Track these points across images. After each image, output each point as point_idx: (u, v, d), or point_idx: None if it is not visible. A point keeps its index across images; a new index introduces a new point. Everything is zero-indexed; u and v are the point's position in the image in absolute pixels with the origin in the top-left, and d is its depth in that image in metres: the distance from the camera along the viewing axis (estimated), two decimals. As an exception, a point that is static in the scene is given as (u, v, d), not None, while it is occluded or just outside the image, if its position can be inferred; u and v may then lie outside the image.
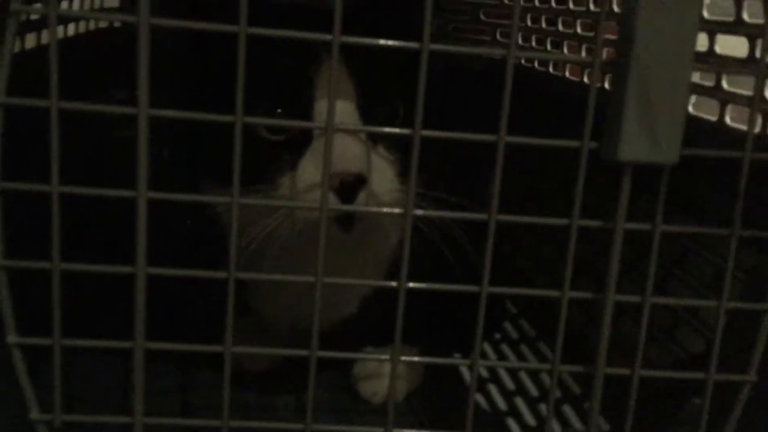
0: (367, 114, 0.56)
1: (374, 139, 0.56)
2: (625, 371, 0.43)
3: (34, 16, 0.63)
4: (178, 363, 0.70)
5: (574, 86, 0.83)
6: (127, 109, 0.37)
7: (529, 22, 0.97)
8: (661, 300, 0.44)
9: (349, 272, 0.58)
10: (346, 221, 0.54)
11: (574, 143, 0.40)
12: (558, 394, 0.71)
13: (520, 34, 1.01)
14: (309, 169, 0.54)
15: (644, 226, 0.41)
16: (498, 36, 1.08)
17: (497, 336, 0.83)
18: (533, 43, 0.98)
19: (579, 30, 0.82)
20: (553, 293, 0.42)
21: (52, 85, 0.36)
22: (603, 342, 0.42)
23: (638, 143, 0.39)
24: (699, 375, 0.45)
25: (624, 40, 0.38)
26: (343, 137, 0.51)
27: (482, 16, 1.11)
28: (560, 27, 0.88)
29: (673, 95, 0.38)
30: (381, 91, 0.57)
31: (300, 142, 0.55)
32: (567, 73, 0.86)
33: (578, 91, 0.82)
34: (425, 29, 0.39)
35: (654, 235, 0.41)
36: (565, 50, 0.85)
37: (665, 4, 0.37)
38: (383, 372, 0.69)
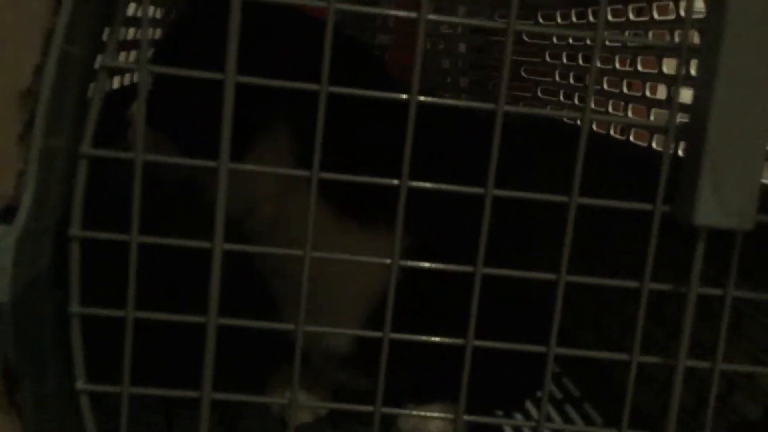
0: None
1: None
2: (693, 438, 0.42)
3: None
4: (221, 412, 0.70)
5: (636, 150, 0.82)
6: (209, 163, 0.38)
7: (605, 86, 0.96)
8: (730, 367, 0.43)
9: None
10: None
11: (647, 206, 0.40)
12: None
13: (560, 91, 1.02)
14: None
15: (716, 292, 0.41)
16: (539, 93, 1.10)
17: (538, 395, 0.82)
18: (575, 101, 0.99)
19: (648, 93, 0.81)
20: (622, 357, 0.42)
21: (138, 140, 0.37)
22: (673, 408, 0.41)
23: (714, 208, 0.39)
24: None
25: (700, 104, 0.39)
26: None
27: (523, 74, 1.13)
28: (625, 89, 0.86)
29: (750, 159, 0.38)
30: None
31: None
32: (632, 137, 0.85)
33: (637, 154, 0.82)
34: (501, 93, 0.40)
35: (726, 300, 0.41)
36: (630, 113, 0.85)
37: (744, 68, 0.38)
38: (427, 428, 0.68)
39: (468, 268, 0.41)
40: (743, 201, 0.39)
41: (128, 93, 0.86)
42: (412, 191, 0.40)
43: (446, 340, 0.42)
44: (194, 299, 0.43)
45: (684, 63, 0.38)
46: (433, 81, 1.14)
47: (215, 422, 0.69)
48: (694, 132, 0.39)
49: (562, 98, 1.04)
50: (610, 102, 0.88)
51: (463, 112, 0.43)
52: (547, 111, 0.57)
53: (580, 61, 0.98)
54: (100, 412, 0.41)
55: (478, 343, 0.42)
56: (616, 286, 0.42)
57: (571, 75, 1.01)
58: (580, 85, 0.98)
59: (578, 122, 0.94)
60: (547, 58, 1.08)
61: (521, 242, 0.68)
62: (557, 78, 1.05)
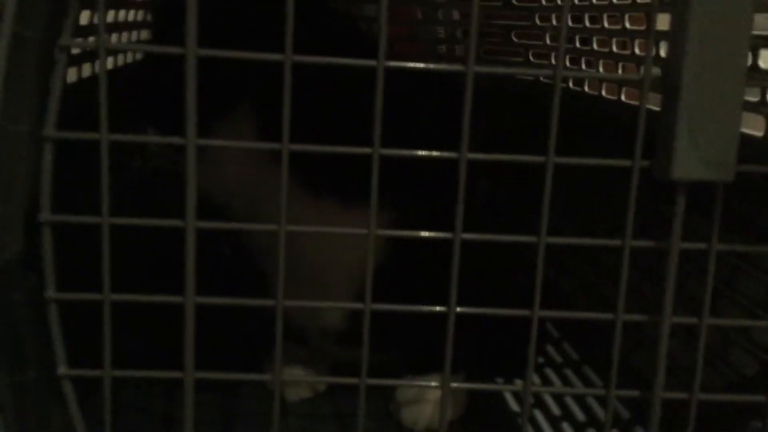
0: None
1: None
2: (683, 396, 0.42)
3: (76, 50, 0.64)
4: (221, 392, 0.70)
5: (611, 105, 0.82)
6: (175, 140, 0.37)
7: (577, 44, 0.96)
8: (718, 321, 0.43)
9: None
10: None
11: (625, 162, 0.39)
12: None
13: (552, 54, 1.01)
14: None
15: (700, 246, 0.40)
16: (530, 57, 1.08)
17: (540, 360, 0.82)
18: (567, 63, 0.98)
19: (615, 48, 0.81)
20: (607, 316, 0.42)
21: (102, 118, 0.36)
22: (661, 365, 0.41)
23: (692, 161, 0.38)
24: (758, 398, 0.43)
25: (674, 56, 0.38)
26: None
27: (514, 38, 1.11)
28: (595, 47, 0.87)
29: (727, 110, 0.38)
30: None
31: None
32: (603, 92, 0.85)
33: (614, 110, 0.81)
34: (469, 52, 0.39)
35: (710, 254, 0.40)
36: (601, 69, 0.85)
37: (716, 21, 0.37)
38: (425, 398, 0.68)
39: (447, 235, 0.41)
40: (722, 152, 0.38)
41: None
42: (393, 165, 0.39)
43: (426, 308, 0.42)
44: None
45: (654, 14, 0.37)
46: (429, 50, 1.13)
47: (215, 402, 0.69)
48: (669, 83, 0.38)
49: (554, 60, 1.02)
50: (601, 62, 0.87)
51: (445, 79, 0.42)
52: (518, 70, 0.56)
53: (570, 23, 0.96)
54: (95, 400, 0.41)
55: (460, 310, 0.41)
56: (598, 245, 0.41)
57: (547, 36, 1.00)
58: (571, 46, 0.97)
59: (570, 84, 0.94)
60: (537, 21, 1.06)
61: (512, 209, 0.67)
62: (548, 41, 1.03)
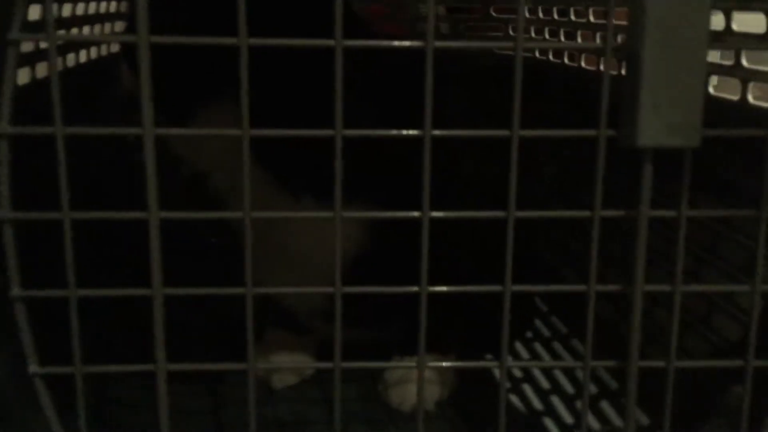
0: None
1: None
2: (659, 363, 0.42)
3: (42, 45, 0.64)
4: (208, 383, 0.70)
5: (590, 76, 0.82)
6: (132, 130, 0.37)
7: (540, 15, 0.95)
8: (692, 288, 0.43)
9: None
10: None
11: (590, 132, 0.39)
12: (595, 390, 0.70)
13: (533, 27, 1.00)
14: None
15: (669, 213, 0.40)
16: (510, 32, 1.07)
17: (529, 334, 0.82)
18: (546, 35, 0.97)
19: (592, 18, 0.80)
20: (580, 288, 0.41)
21: (56, 112, 0.36)
22: (634, 335, 0.40)
23: (656, 127, 0.37)
24: (737, 363, 0.43)
25: (635, 22, 0.37)
26: None
27: (492, 13, 1.10)
28: (572, 17, 0.87)
29: (690, 76, 0.37)
30: None
31: None
32: (583, 63, 0.85)
33: (594, 81, 0.81)
34: (428, 28, 0.38)
35: (680, 221, 0.40)
36: (579, 40, 0.84)
37: (674, -17, 0.36)
38: (412, 378, 0.68)
39: (414, 214, 0.40)
40: (686, 117, 0.37)
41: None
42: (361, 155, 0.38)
43: (399, 289, 0.41)
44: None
45: (611, -22, 0.37)
46: (413, 28, 1.12)
47: (202, 392, 0.69)
48: (631, 50, 0.37)
49: (533, 34, 1.02)
50: (562, 31, 0.87)
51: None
52: (479, 43, 0.56)
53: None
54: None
55: (432, 289, 0.41)
56: (567, 216, 0.41)
57: (540, 10, 0.99)
58: (549, 18, 0.96)
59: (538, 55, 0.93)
60: (515, -5, 1.05)
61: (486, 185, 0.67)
62: (527, 14, 1.02)
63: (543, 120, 0.43)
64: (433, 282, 0.41)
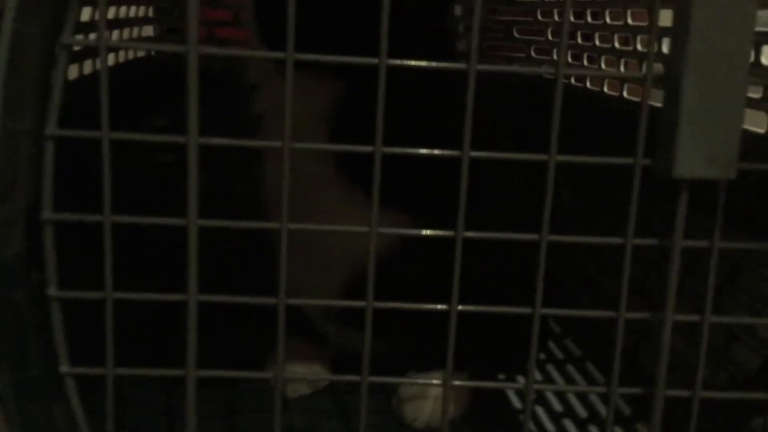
0: None
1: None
2: (685, 393, 0.42)
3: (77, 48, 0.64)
4: (222, 388, 0.70)
5: (613, 102, 0.82)
6: (177, 138, 0.37)
7: (579, 40, 0.95)
8: (721, 319, 0.43)
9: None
10: None
11: (627, 160, 0.39)
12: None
13: (554, 50, 1.01)
14: None
15: (702, 244, 0.40)
16: (532, 53, 1.08)
17: (542, 356, 0.82)
18: (569, 59, 0.97)
19: (617, 44, 0.81)
20: (609, 314, 0.41)
21: (104, 116, 0.36)
22: (663, 363, 0.41)
23: (694, 159, 0.38)
24: (761, 395, 0.43)
25: (677, 53, 0.37)
26: None
27: (516, 34, 1.11)
28: (597, 42, 0.87)
29: (729, 108, 0.37)
30: None
31: None
32: (605, 88, 0.85)
33: (617, 106, 0.81)
34: (473, 50, 0.39)
35: (712, 252, 0.40)
36: (603, 65, 0.85)
37: (719, 17, 0.36)
38: (427, 394, 0.68)
39: (449, 233, 0.41)
40: (724, 150, 0.38)
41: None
42: (409, 168, 0.39)
43: (430, 306, 0.42)
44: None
45: (656, 12, 0.37)
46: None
47: (217, 399, 0.69)
48: (671, 81, 0.38)
49: (555, 57, 1.02)
50: (603, 57, 0.87)
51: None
52: (519, 68, 0.56)
53: (571, 18, 0.96)
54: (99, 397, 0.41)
55: (462, 308, 0.41)
56: (600, 243, 0.41)
57: (579, 35, 0.99)
58: (573, 42, 0.97)
59: (572, 80, 0.93)
60: (539, 17, 1.06)
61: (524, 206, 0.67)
62: (550, 36, 1.03)
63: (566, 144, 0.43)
64: (445, 297, 0.41)
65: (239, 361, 0.44)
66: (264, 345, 0.71)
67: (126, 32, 0.88)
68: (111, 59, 0.86)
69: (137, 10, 0.91)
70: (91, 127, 0.37)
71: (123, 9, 0.85)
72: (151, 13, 0.99)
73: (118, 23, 0.84)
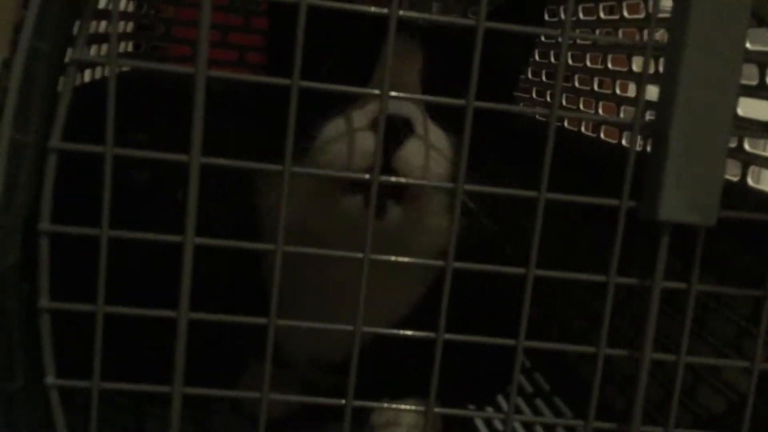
0: (430, 92, 0.53)
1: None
2: (658, 429, 0.43)
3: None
4: (194, 407, 0.69)
5: (588, 142, 0.84)
6: (179, 157, 0.38)
7: (576, 83, 0.96)
8: (695, 360, 0.44)
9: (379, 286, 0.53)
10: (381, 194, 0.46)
11: (613, 201, 0.41)
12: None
13: (548, 92, 1.02)
14: (357, 116, 0.53)
15: (680, 285, 0.42)
16: (533, 94, 1.09)
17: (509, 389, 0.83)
18: (564, 102, 0.99)
19: (618, 91, 0.82)
20: (589, 349, 0.43)
21: (108, 132, 0.37)
22: (639, 400, 0.42)
23: (677, 204, 0.39)
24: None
25: (665, 101, 0.39)
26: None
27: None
28: (595, 87, 0.87)
29: (712, 157, 0.39)
30: (449, 77, 0.56)
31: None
32: (602, 135, 0.86)
33: (605, 150, 0.83)
34: (471, 89, 0.40)
35: (690, 294, 0.42)
36: (600, 110, 0.86)
37: (707, 67, 0.38)
38: (399, 422, 0.68)
39: (439, 263, 0.42)
40: (706, 197, 0.39)
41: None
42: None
43: (417, 333, 0.43)
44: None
45: (648, 61, 0.39)
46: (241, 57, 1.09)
47: (186, 420, 0.69)
48: (659, 129, 0.39)
49: (534, 95, 1.04)
50: (582, 99, 0.89)
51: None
52: (518, 108, 0.58)
53: (552, 59, 0.99)
54: (72, 410, 0.41)
55: (448, 336, 0.42)
56: (583, 280, 0.43)
57: (543, 72, 1.02)
58: (552, 82, 0.99)
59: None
60: (536, 57, 1.08)
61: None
62: (529, 75, 1.05)
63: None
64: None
65: (207, 381, 0.44)
66: (233, 366, 0.71)
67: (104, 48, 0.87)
68: (88, 75, 0.86)
69: (125, 25, 0.91)
70: (74, 140, 0.37)
71: (103, 24, 0.84)
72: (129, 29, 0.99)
73: (101, 38, 0.84)
